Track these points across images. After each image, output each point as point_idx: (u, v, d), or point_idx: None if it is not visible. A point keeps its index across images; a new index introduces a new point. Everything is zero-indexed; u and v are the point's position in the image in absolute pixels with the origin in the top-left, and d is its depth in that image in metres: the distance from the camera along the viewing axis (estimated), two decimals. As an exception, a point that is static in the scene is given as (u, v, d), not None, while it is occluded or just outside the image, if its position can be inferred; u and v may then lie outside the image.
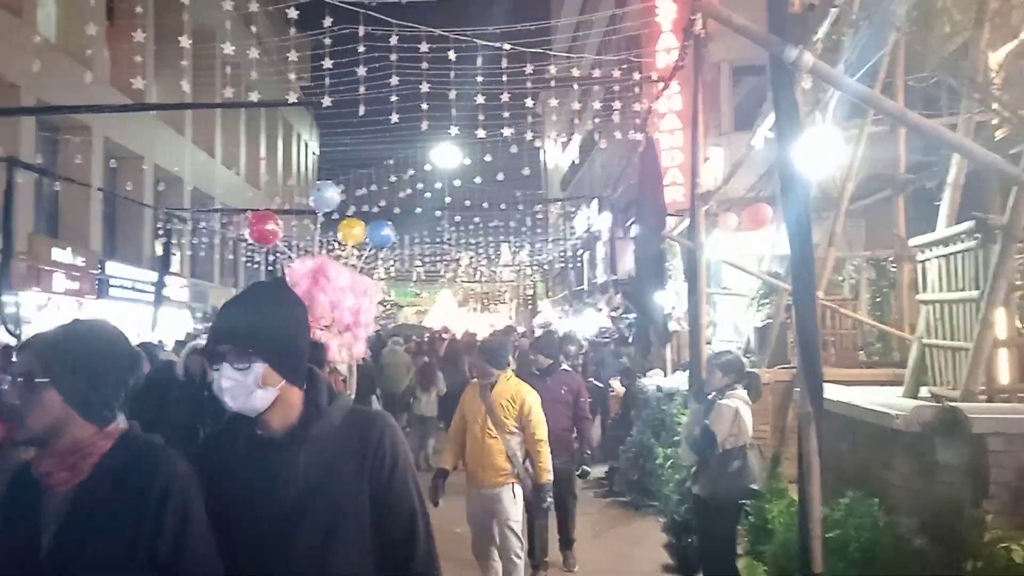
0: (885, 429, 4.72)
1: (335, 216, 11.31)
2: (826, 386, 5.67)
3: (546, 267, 39.59)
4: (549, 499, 5.90)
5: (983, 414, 4.16)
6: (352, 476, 2.14)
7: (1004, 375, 4.68)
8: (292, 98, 12.30)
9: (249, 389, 2.08)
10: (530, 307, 43.59)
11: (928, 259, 5.36)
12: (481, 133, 11.56)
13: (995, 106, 5.76)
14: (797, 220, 4.07)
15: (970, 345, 4.57)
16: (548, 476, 5.73)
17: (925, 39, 5.94)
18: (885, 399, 5.23)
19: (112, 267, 21.90)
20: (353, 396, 8.99)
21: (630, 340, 16.19)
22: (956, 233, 4.93)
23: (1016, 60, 6.19)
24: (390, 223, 10.09)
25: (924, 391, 5.40)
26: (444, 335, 20.54)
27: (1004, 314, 4.60)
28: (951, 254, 4.98)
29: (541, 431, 5.68)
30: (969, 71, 5.65)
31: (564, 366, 7.64)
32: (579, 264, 30.75)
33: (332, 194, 9.21)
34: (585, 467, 7.34)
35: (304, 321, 2.25)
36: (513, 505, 5.64)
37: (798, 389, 4.39)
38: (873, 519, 4.41)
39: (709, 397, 5.42)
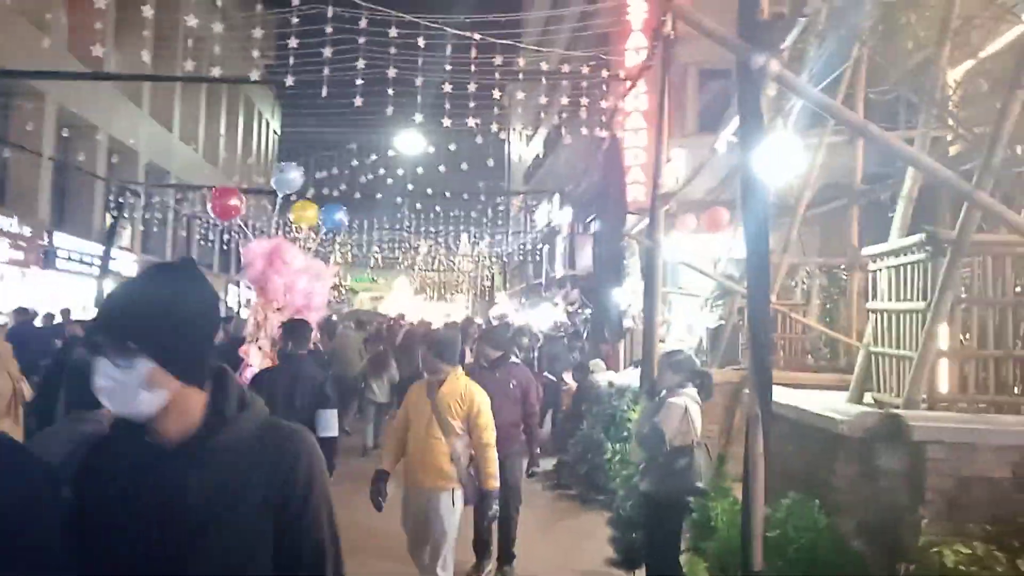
0: (830, 433, 4.84)
1: (294, 198, 11.20)
2: (775, 389, 5.79)
3: (505, 259, 39.62)
4: (495, 507, 5.54)
5: (923, 422, 4.29)
6: (256, 502, 1.79)
7: (945, 385, 4.82)
8: (255, 75, 12.12)
9: (131, 391, 1.73)
10: (487, 299, 43.60)
11: (879, 269, 5.49)
12: (447, 122, 11.52)
13: (951, 123, 5.91)
14: (755, 224, 4.14)
15: (914, 354, 4.69)
16: (494, 483, 5.41)
17: (888, 53, 6.06)
18: (831, 404, 5.35)
19: (60, 238, 21.38)
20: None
21: (584, 335, 16.30)
22: (907, 245, 5.05)
23: (973, 78, 6.36)
24: (344, 207, 10.08)
25: (868, 397, 5.53)
26: (400, 323, 20.45)
27: (948, 326, 4.73)
28: (901, 265, 5.11)
29: (489, 435, 5.37)
30: (929, 87, 5.79)
31: (514, 359, 7.37)
32: (538, 258, 30.84)
33: (295, 176, 9.15)
34: (534, 467, 7.14)
35: (210, 312, 1.87)
36: (450, 513, 5.30)
37: (747, 391, 4.47)
38: (814, 520, 4.51)
39: (659, 395, 5.49)
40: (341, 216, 9.82)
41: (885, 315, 5.32)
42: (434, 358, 5.45)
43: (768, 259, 4.15)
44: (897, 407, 4.69)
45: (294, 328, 6.38)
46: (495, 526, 6.50)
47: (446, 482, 5.27)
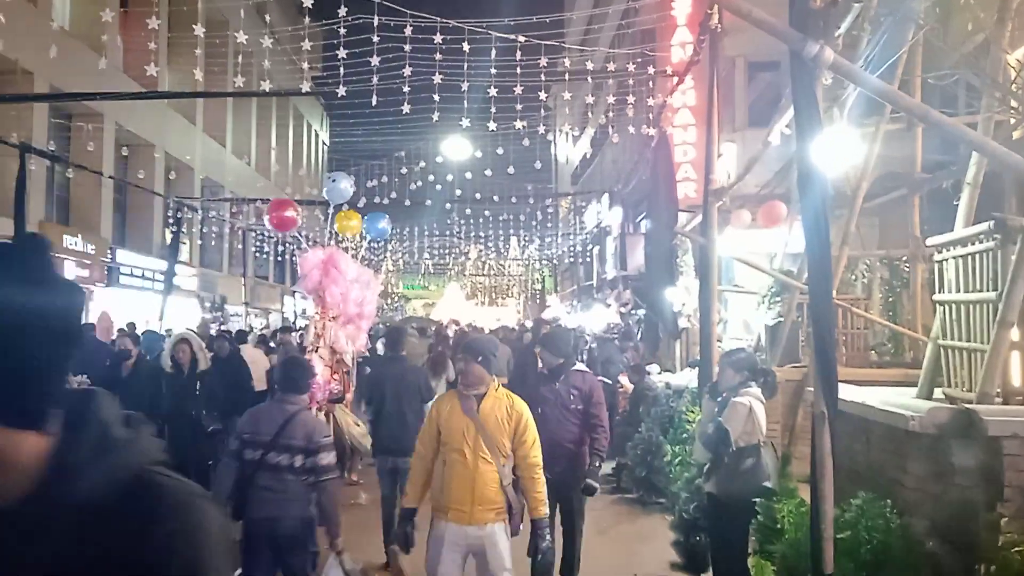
0: (899, 430, 4.69)
1: (345, 207, 11.32)
2: (840, 386, 5.65)
3: (555, 262, 39.53)
4: (548, 538, 4.78)
5: (999, 416, 4.13)
6: None
7: (1020, 377, 4.64)
8: (304, 87, 12.29)
9: None
10: (538, 302, 43.55)
11: (945, 259, 5.31)
12: (492, 125, 11.52)
13: (1015, 105, 5.70)
14: (815, 218, 4.03)
15: (986, 347, 4.52)
16: (545, 510, 4.71)
17: (946, 36, 5.88)
18: (899, 400, 5.19)
19: (122, 255, 21.99)
20: (354, 388, 9.01)
21: (639, 336, 16.17)
22: (975, 233, 4.88)
23: (1037, 59, 6.13)
24: (386, 216, 10.16)
25: (938, 392, 5.36)
26: (451, 327, 20.55)
27: (1021, 316, 4.55)
28: (969, 254, 4.94)
29: (537, 453, 4.64)
30: (990, 69, 5.59)
31: (580, 366, 6.32)
32: (588, 259, 30.69)
33: (346, 185, 9.25)
34: (591, 482, 5.82)
35: (53, 320, 1.24)
36: (507, 548, 4.61)
37: (810, 388, 4.36)
38: (885, 521, 4.37)
39: (722, 395, 5.39)
40: (384, 224, 9.91)
41: (954, 307, 5.14)
42: (478, 366, 4.60)
43: (829, 253, 4.04)
44: (970, 402, 4.53)
45: (391, 334, 7.61)
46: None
47: (498, 513, 4.58)
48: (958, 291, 5.09)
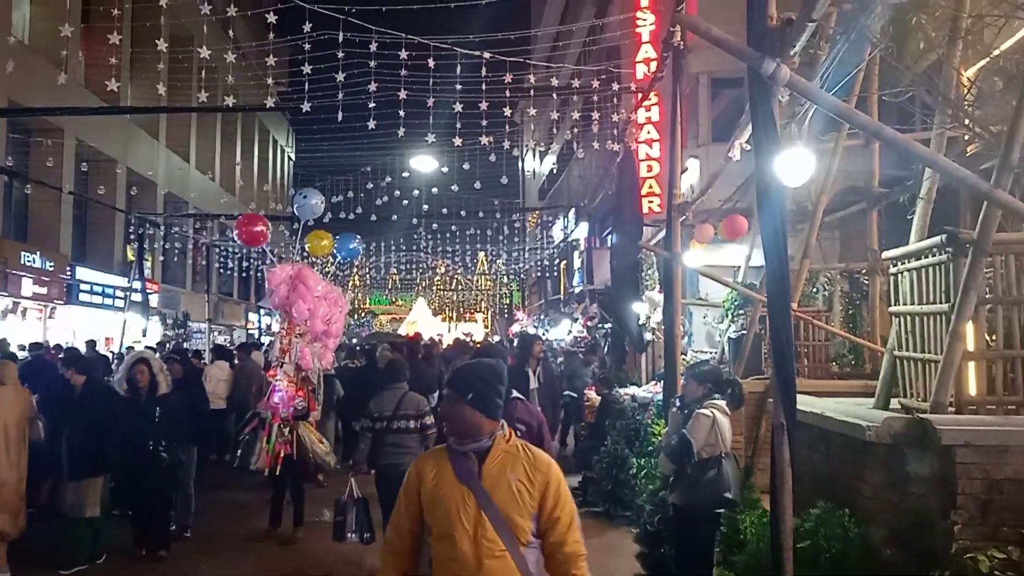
0: (856, 440, 4.78)
1: (311, 223, 11.29)
2: (800, 397, 5.73)
3: (523, 276, 39.65)
4: None
5: (951, 426, 4.23)
6: None
7: (973, 387, 4.76)
8: (269, 103, 12.26)
9: None
10: (506, 316, 43.58)
11: (900, 272, 5.44)
12: (458, 141, 11.58)
13: (967, 122, 5.87)
14: (773, 232, 4.13)
15: (940, 357, 4.64)
16: None
17: (900, 55, 6.04)
18: (856, 410, 5.30)
19: (82, 272, 21.65)
20: (321, 406, 8.97)
21: (606, 349, 16.26)
22: (927, 247, 5.01)
23: (988, 77, 6.32)
24: (358, 236, 10.14)
25: (895, 403, 5.47)
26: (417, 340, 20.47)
27: (973, 327, 4.68)
28: (922, 267, 5.07)
29: (578, 539, 3.10)
30: (943, 87, 5.76)
31: (515, 394, 5.14)
32: (556, 273, 30.84)
33: (317, 202, 9.23)
34: None
35: None
36: None
37: (772, 400, 4.44)
38: (844, 530, 4.46)
39: (687, 407, 5.46)
40: (356, 245, 9.88)
41: (908, 318, 5.27)
42: (469, 408, 3.02)
43: (787, 266, 4.13)
44: (924, 411, 4.64)
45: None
46: None
47: None
48: (912, 303, 5.21)
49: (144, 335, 18.46)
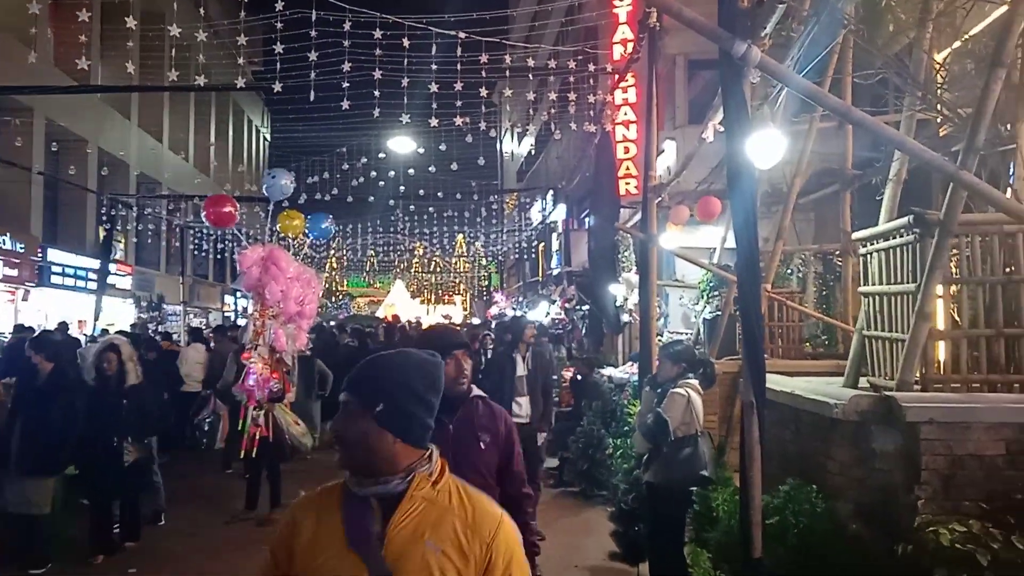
0: (824, 418, 4.89)
1: (286, 204, 11.21)
2: (772, 376, 5.83)
3: (501, 258, 39.67)
4: None
5: (916, 403, 4.33)
6: None
7: (938, 365, 4.86)
8: (242, 83, 12.13)
9: None
10: (485, 299, 43.63)
11: (869, 252, 5.54)
12: (434, 122, 11.55)
13: (937, 105, 5.95)
14: (744, 213, 4.18)
15: (906, 336, 4.73)
16: None
17: (871, 37, 6.11)
18: (825, 388, 5.40)
19: (54, 254, 21.40)
20: (296, 387, 8.99)
21: (583, 331, 16.35)
22: (895, 227, 5.10)
23: (959, 59, 6.40)
24: (330, 216, 10.11)
25: (864, 381, 5.57)
26: (394, 324, 20.49)
27: (939, 306, 4.78)
28: (890, 248, 5.16)
29: None
30: (913, 70, 5.83)
31: (477, 391, 3.67)
32: (534, 255, 30.88)
33: (286, 182, 9.18)
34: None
35: None
36: None
37: (742, 379, 4.52)
38: (811, 505, 4.56)
39: (662, 387, 5.54)
40: (327, 224, 9.86)
41: (877, 298, 5.36)
42: (377, 428, 2.00)
43: (757, 248, 4.19)
44: (891, 390, 4.74)
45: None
46: None
47: None
48: (880, 283, 5.31)
49: (97, 318, 18.20)
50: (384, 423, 1.98)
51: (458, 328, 18.06)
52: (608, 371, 11.35)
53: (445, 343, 3.45)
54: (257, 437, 7.97)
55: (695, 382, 5.47)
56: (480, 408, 3.54)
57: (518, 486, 3.58)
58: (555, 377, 12.23)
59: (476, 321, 32.94)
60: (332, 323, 26.49)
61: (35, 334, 10.05)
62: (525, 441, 8.12)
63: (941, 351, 4.93)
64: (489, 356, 12.47)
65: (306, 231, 9.62)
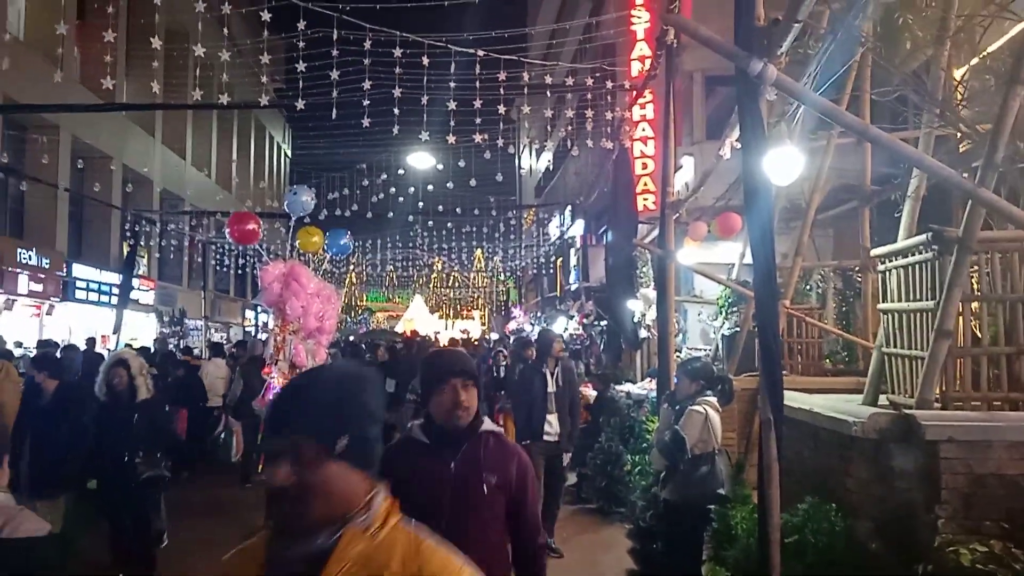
0: (843, 435, 4.85)
1: (307, 220, 11.32)
2: (791, 393, 5.81)
3: (519, 273, 39.71)
4: None
5: (935, 421, 4.30)
6: None
7: (958, 383, 4.82)
8: (264, 100, 12.30)
9: None
10: (503, 313, 43.68)
11: (888, 269, 5.51)
12: (452, 139, 11.64)
13: (956, 121, 5.93)
14: (761, 230, 4.18)
15: (926, 354, 4.70)
16: None
17: (889, 55, 6.10)
18: (844, 406, 5.36)
19: (78, 269, 21.68)
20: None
21: (602, 346, 16.33)
22: (914, 244, 5.07)
23: (978, 76, 6.38)
24: (348, 232, 10.20)
25: (883, 399, 5.53)
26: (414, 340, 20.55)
27: (959, 324, 4.74)
28: (909, 265, 5.13)
29: None
30: (931, 86, 5.81)
31: (488, 424, 3.15)
32: (552, 271, 30.89)
33: (307, 198, 9.27)
34: None
35: None
36: None
37: (760, 396, 4.50)
38: (831, 524, 4.53)
39: (680, 404, 5.53)
40: (346, 241, 9.94)
41: (896, 316, 5.33)
42: (339, 467, 1.68)
43: (774, 263, 4.19)
44: (910, 407, 4.70)
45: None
46: None
47: None
48: (900, 300, 5.27)
49: (116, 331, 18.30)
50: (349, 457, 1.66)
51: (472, 346, 18.02)
52: (626, 387, 11.33)
53: (440, 369, 3.08)
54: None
55: (713, 399, 5.46)
56: (490, 445, 3.06)
57: (531, 534, 3.10)
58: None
59: (495, 336, 32.98)
60: (351, 338, 26.59)
61: (39, 352, 10.10)
62: (552, 460, 8.17)
63: (958, 369, 4.89)
64: (503, 373, 12.47)
65: (325, 247, 9.69)
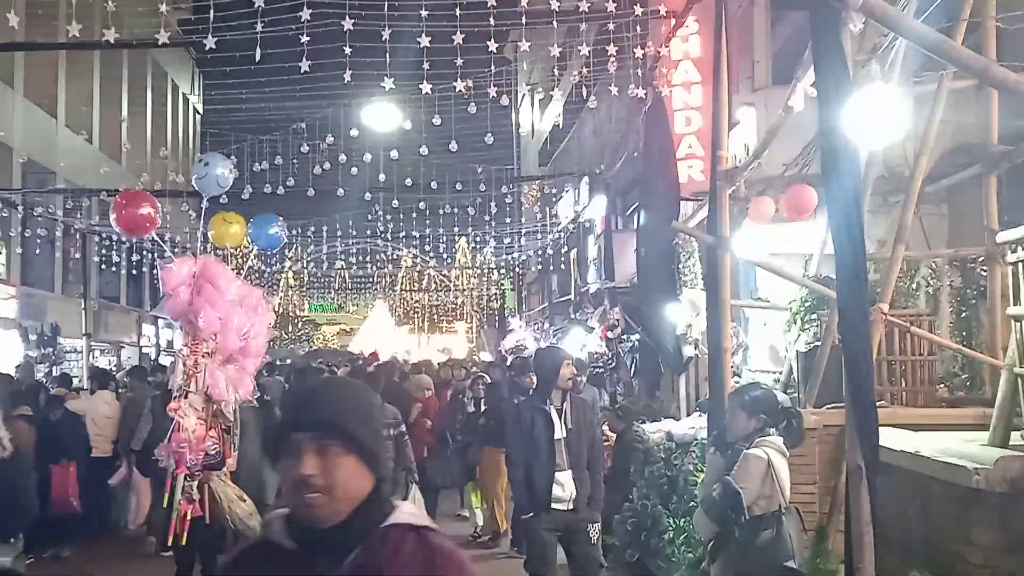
0: (963, 488, 4.89)
1: (224, 200, 11.33)
2: (891, 432, 5.86)
3: (519, 270, 39.72)
4: None
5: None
6: None
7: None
8: (164, 37, 12.28)
9: None
10: (498, 325, 43.71)
11: (1021, 260, 5.54)
12: (426, 87, 11.65)
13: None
14: (845, 209, 4.23)
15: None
16: None
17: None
18: (964, 448, 5.40)
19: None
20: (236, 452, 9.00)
21: (632, 370, 16.35)
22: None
23: None
24: (279, 218, 10.19)
25: (1016, 437, 5.57)
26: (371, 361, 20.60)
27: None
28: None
29: None
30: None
31: (402, 513, 2.59)
32: (563, 266, 30.91)
33: (224, 171, 9.28)
34: None
35: None
36: None
37: (847, 436, 4.53)
38: (946, 608, 4.56)
39: (734, 446, 5.56)
40: (278, 230, 9.92)
41: (1033, 323, 5.37)
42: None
43: (864, 254, 4.23)
44: (1053, 448, 4.74)
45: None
46: None
47: None
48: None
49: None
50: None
51: (447, 371, 17.97)
52: (667, 425, 11.35)
53: (285, 420, 2.65)
54: (189, 517, 8.03)
55: (778, 440, 5.48)
56: (402, 553, 2.50)
57: None
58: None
59: (486, 356, 33.00)
60: (288, 360, 26.60)
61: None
62: (572, 538, 7.82)
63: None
64: (482, 407, 12.41)
65: (249, 238, 9.71)
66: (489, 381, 13.50)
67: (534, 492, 7.68)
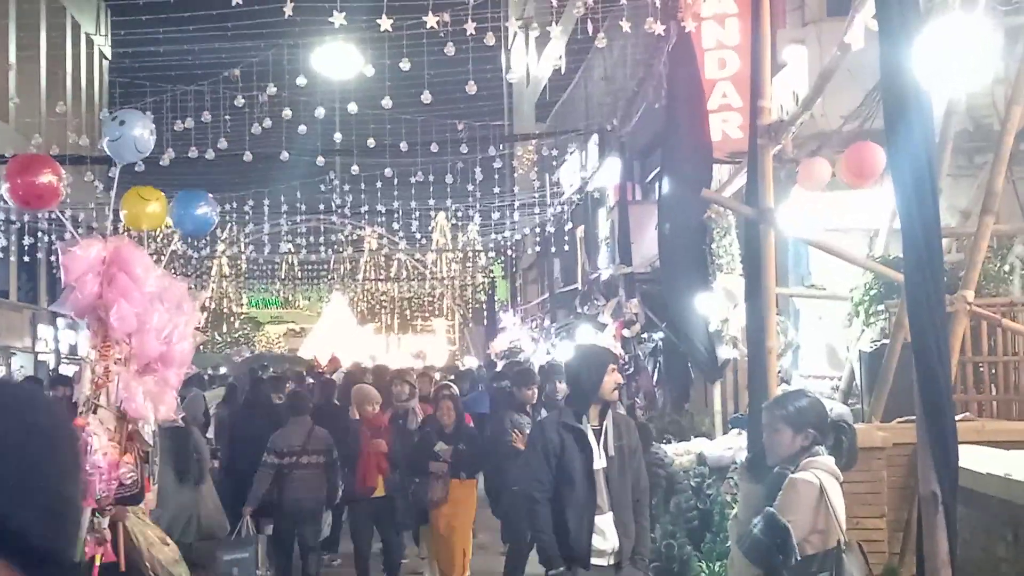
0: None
1: (140, 168, 11.34)
2: (975, 451, 5.91)
3: (511, 253, 39.76)
4: None
5: None
6: None
7: None
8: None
9: None
10: (485, 323, 43.78)
11: None
12: (386, 24, 11.66)
13: None
14: (914, 172, 4.25)
15: None
16: None
17: None
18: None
19: None
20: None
21: (655, 376, 16.40)
22: None
23: None
24: (209, 196, 10.17)
25: None
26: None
27: None
28: None
29: None
30: None
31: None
32: (567, 247, 30.96)
33: (143, 132, 9.28)
34: None
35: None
36: None
37: (919, 456, 4.57)
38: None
39: (773, 470, 5.58)
40: (207, 210, 9.89)
41: None
42: None
43: (938, 229, 4.26)
44: None
45: None
46: None
47: None
48: None
49: None
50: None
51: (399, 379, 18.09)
52: (697, 446, 11.39)
53: None
54: (98, 562, 8.04)
55: (830, 460, 5.46)
56: None
57: None
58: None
59: (472, 361, 33.04)
60: (221, 369, 26.66)
61: None
62: None
63: None
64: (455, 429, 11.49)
65: (171, 220, 9.71)
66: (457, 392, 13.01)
67: (568, 541, 7.01)
